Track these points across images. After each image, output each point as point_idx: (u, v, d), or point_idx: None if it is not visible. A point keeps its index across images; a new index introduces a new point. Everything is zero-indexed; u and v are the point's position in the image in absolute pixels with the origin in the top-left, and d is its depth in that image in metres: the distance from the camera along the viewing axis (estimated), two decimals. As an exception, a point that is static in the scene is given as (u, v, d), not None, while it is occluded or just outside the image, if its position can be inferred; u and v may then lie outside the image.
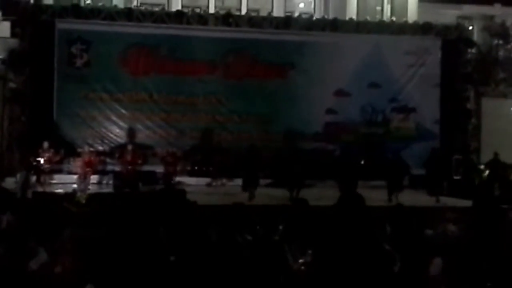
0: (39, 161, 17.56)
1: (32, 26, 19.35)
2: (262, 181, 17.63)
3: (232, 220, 7.80)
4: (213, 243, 6.93)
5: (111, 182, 18.28)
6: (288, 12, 22.55)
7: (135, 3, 22.11)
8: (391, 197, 16.70)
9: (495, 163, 19.61)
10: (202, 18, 20.49)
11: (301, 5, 24.07)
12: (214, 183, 19.08)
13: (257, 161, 17.39)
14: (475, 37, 22.46)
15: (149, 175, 18.52)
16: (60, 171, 18.73)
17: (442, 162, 18.46)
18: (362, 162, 18.86)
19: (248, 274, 6.24)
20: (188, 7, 21.58)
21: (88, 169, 17.69)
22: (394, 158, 18.40)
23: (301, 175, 16.96)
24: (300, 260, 6.67)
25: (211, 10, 21.72)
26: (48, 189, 16.84)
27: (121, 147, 19.17)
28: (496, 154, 19.51)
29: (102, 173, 18.84)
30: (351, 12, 22.92)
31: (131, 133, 19.86)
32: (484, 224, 7.40)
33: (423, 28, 21.50)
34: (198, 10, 20.54)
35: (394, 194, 16.73)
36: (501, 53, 22.34)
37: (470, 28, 22.30)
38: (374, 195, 16.60)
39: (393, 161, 18.28)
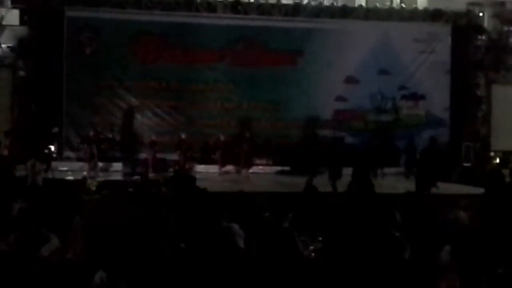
0: (50, 148, 17.66)
1: (41, 14, 19.37)
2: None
3: (241, 207, 7.82)
4: (222, 231, 6.95)
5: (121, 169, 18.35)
6: (297, -1, 22.43)
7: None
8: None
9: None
10: (211, 6, 20.44)
11: (310, -8, 23.91)
12: (226, 171, 19.07)
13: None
14: (486, 23, 22.24)
15: (160, 163, 18.59)
16: (70, 158, 18.84)
17: (438, 152, 18.44)
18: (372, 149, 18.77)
19: (257, 261, 6.25)
20: (197, -6, 21.52)
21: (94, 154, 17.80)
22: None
23: (318, 163, 16.99)
24: (310, 247, 6.69)
25: (220, -3, 21.64)
26: (58, 176, 16.93)
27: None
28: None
29: (113, 160, 18.92)
30: (361, -2, 22.77)
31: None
32: (494, 211, 7.39)
33: (433, 15, 21.35)
34: (207, -2, 20.47)
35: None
36: (511, 39, 22.13)
37: (481, 14, 22.06)
38: (385, 182, 16.69)
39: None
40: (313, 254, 6.53)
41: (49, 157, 17.59)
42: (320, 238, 6.47)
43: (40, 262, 6.27)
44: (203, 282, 5.84)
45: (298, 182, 15.86)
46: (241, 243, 6.84)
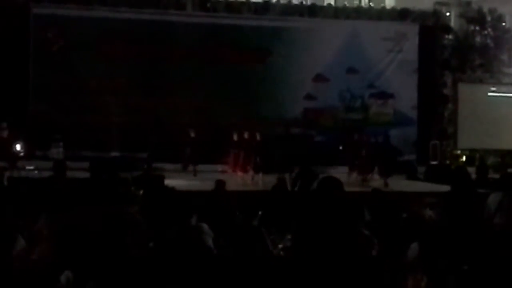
0: (16, 147, 17.34)
1: (6, 10, 19.05)
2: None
3: (211, 207, 7.80)
4: (191, 230, 6.91)
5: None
6: (267, -3, 22.44)
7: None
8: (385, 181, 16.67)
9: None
10: (180, 3, 20.35)
11: (280, -10, 23.91)
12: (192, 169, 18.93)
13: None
14: (452, 23, 22.57)
15: (128, 161, 18.39)
16: (37, 157, 18.55)
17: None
18: (341, 148, 18.77)
19: (226, 260, 6.24)
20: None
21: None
22: (383, 141, 18.45)
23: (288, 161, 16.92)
24: (279, 245, 6.69)
25: (189, -5, 21.53)
26: (24, 174, 16.64)
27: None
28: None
29: (79, 158, 18.65)
30: (329, -3, 22.90)
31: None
32: (460, 208, 7.48)
33: (400, 14, 21.60)
34: (175, -5, 20.37)
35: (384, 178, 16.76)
36: (477, 39, 22.45)
37: (447, 14, 22.39)
38: (352, 180, 16.78)
39: (383, 144, 18.31)
40: (282, 252, 6.53)
41: (14, 155, 17.28)
42: (289, 237, 6.48)
43: (7, 263, 6.15)
44: (172, 282, 5.80)
45: (268, 181, 15.97)
46: (210, 243, 6.81)
